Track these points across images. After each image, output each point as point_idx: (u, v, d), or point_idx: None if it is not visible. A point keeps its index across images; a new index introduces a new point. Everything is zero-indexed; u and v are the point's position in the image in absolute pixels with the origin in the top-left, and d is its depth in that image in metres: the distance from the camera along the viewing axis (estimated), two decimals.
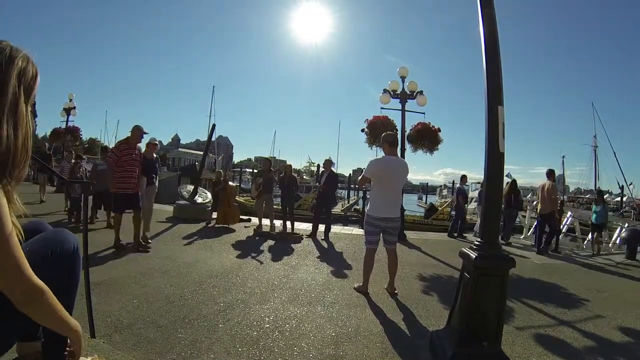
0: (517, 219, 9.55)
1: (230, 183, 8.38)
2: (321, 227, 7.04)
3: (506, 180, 12.10)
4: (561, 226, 8.19)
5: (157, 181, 5.73)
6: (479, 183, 18.58)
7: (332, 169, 7.44)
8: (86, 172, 7.22)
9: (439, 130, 7.42)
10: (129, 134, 4.97)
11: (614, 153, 25.39)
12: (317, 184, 7.89)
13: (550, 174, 7.18)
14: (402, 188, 3.87)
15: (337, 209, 20.51)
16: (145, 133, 5.00)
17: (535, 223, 8.98)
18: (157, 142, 6.14)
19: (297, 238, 6.52)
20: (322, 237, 6.79)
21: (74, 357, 1.17)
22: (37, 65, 0.95)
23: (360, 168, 17.94)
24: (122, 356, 1.79)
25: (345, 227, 10.51)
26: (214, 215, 7.64)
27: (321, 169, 8.63)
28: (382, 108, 7.66)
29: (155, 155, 5.95)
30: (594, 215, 7.72)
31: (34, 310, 0.97)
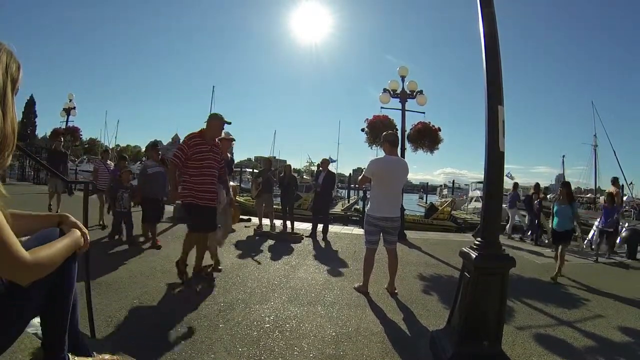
0: (517, 219, 9.57)
1: (231, 183, 8.37)
2: (319, 227, 7.04)
3: (508, 180, 12.14)
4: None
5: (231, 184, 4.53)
6: (480, 183, 18.58)
7: (330, 168, 7.40)
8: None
9: (439, 129, 7.43)
10: (203, 126, 3.66)
11: (614, 152, 25.25)
12: (314, 183, 7.80)
13: (615, 181, 8.09)
14: (402, 188, 3.87)
15: (337, 209, 20.51)
16: (227, 123, 3.71)
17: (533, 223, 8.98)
18: (233, 137, 4.74)
19: (297, 238, 6.52)
20: (322, 237, 6.79)
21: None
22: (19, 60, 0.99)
23: (361, 168, 17.92)
24: (123, 356, 1.78)
25: (345, 227, 10.54)
26: None
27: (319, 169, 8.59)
28: (382, 108, 7.69)
29: (229, 155, 4.57)
30: (555, 220, 5.21)
31: (40, 274, 1.01)
